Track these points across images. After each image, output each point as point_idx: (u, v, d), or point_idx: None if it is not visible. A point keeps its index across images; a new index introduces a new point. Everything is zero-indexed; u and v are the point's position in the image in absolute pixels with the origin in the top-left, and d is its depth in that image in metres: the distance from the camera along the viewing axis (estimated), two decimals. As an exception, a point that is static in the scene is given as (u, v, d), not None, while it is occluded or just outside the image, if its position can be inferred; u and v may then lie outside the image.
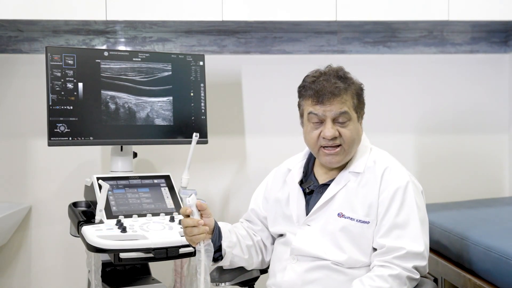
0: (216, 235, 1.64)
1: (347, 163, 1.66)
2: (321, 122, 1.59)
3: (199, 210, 1.56)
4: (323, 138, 1.59)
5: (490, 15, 2.53)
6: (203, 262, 1.54)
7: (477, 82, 2.89)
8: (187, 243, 1.82)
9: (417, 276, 1.55)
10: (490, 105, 2.89)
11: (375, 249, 1.59)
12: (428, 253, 1.59)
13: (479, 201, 2.60)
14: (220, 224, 1.68)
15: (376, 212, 1.58)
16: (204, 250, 1.55)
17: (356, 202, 1.60)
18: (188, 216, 1.55)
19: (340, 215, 1.60)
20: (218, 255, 1.67)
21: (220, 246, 1.65)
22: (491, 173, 2.91)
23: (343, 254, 1.58)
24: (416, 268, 1.54)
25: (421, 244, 1.54)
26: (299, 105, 1.69)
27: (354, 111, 1.61)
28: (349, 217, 1.59)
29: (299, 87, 1.68)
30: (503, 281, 1.75)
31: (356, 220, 1.58)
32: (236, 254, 1.70)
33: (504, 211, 2.35)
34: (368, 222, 1.58)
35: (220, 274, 1.78)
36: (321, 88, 1.58)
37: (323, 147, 1.61)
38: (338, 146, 1.60)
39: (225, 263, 1.70)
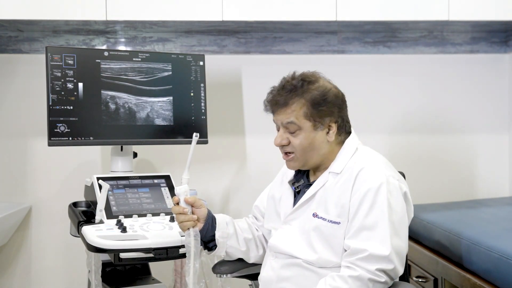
0: (208, 224, 1.72)
1: (331, 163, 1.66)
2: (279, 129, 1.68)
3: (189, 204, 1.68)
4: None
5: (490, 15, 2.53)
6: (192, 248, 1.63)
7: (477, 82, 2.89)
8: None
9: (382, 279, 1.50)
10: (490, 105, 2.90)
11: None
12: (400, 256, 1.53)
13: (479, 201, 2.60)
14: (218, 215, 1.77)
15: (348, 213, 1.57)
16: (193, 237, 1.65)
17: (330, 202, 1.60)
18: (178, 204, 1.67)
19: (315, 215, 1.62)
20: (212, 244, 1.76)
21: (214, 235, 1.73)
22: (491, 173, 2.91)
23: (314, 254, 1.59)
24: (382, 271, 1.50)
25: (387, 247, 1.50)
26: None
27: (306, 120, 1.61)
28: (321, 217, 1.60)
29: None
30: (503, 281, 1.76)
31: (328, 221, 1.59)
32: (231, 245, 1.76)
33: (504, 211, 2.35)
34: (339, 223, 1.57)
35: (220, 265, 1.81)
36: (269, 99, 1.68)
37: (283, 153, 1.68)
38: (291, 153, 1.65)
39: (220, 253, 1.77)
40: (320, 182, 1.64)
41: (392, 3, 2.51)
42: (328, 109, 1.62)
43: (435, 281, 2.15)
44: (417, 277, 2.25)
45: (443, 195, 2.83)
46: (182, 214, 1.66)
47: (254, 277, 1.83)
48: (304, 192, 1.68)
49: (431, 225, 2.24)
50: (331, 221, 1.58)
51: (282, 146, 1.66)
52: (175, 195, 1.69)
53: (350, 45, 2.83)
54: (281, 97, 1.64)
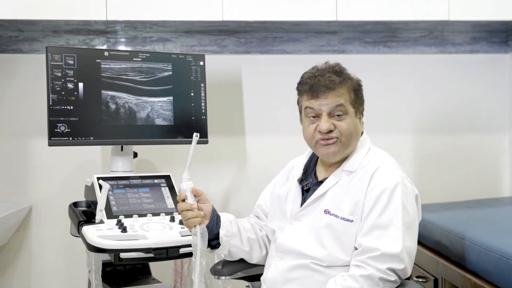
0: (213, 222, 1.68)
1: (343, 161, 1.66)
2: (318, 116, 1.61)
3: (195, 196, 1.64)
4: (319, 132, 1.60)
5: (490, 15, 2.53)
6: (199, 246, 1.59)
7: (477, 82, 2.89)
8: (188, 243, 1.81)
9: (393, 278, 1.51)
10: (490, 105, 2.90)
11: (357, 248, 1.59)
12: (411, 257, 1.54)
13: (479, 201, 2.60)
14: (222, 214, 1.73)
15: (361, 212, 1.57)
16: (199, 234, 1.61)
17: (344, 200, 1.59)
18: (183, 200, 1.63)
19: (326, 211, 1.61)
20: (215, 242, 1.71)
21: (218, 234, 1.69)
22: (491, 173, 2.91)
23: (324, 250, 1.58)
24: (393, 270, 1.50)
25: (399, 246, 1.50)
26: (298, 102, 1.71)
27: (351, 106, 1.62)
28: (334, 214, 1.59)
29: (297, 84, 1.70)
30: (503, 281, 1.76)
31: (340, 218, 1.58)
32: (235, 244, 1.72)
33: (504, 211, 2.36)
34: (352, 221, 1.57)
35: (222, 266, 1.79)
36: (316, 83, 1.61)
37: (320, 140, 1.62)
38: (334, 138, 1.60)
39: (223, 252, 1.73)
40: (333, 180, 1.64)
41: (392, 3, 2.51)
42: (362, 99, 1.67)
43: (435, 281, 2.15)
44: (417, 277, 2.25)
45: (443, 195, 2.83)
46: (190, 210, 1.61)
47: (251, 278, 1.81)
48: (314, 190, 1.67)
49: (431, 225, 2.24)
50: (344, 218, 1.58)
51: (326, 133, 1.59)
52: (180, 191, 1.64)
53: (350, 45, 2.84)
54: (331, 80, 1.60)
